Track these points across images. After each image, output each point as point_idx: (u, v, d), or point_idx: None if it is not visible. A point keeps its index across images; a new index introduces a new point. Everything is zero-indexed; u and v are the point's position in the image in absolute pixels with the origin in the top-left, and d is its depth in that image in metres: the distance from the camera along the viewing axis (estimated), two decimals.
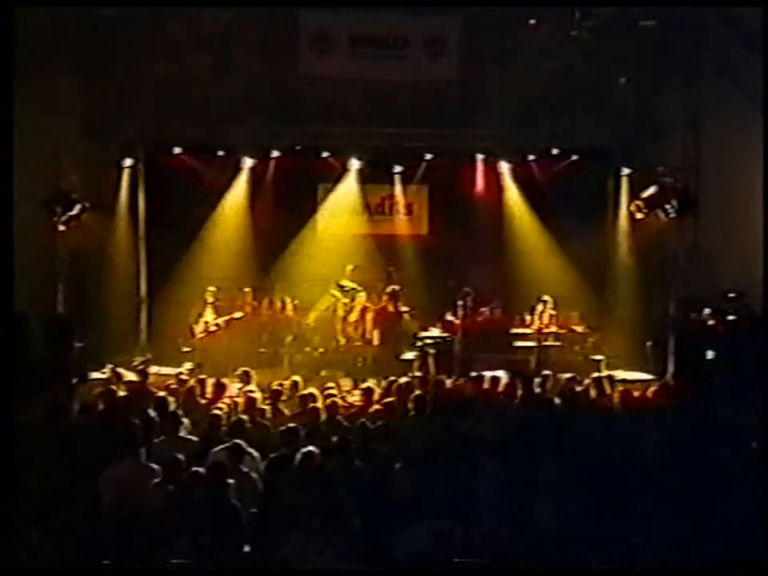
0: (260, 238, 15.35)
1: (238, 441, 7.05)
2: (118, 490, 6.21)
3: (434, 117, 14.69)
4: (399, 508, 5.90)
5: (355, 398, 10.92)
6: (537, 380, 10.57)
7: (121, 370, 11.74)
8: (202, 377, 10.69)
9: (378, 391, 10.09)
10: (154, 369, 12.76)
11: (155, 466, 6.68)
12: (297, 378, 10.54)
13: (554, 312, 14.75)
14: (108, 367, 12.05)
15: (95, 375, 12.24)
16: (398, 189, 16.01)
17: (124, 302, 14.86)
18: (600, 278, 15.62)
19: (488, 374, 11.24)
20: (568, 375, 10.92)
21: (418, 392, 9.44)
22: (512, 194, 15.74)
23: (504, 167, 15.75)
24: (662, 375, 13.03)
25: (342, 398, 10.07)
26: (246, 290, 14.83)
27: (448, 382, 11.85)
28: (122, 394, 9.98)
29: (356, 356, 14.48)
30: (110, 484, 6.37)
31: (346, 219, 16.12)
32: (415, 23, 14.32)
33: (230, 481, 6.19)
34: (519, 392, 9.85)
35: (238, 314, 14.54)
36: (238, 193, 15.58)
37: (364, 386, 10.41)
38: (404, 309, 14.66)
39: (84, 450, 6.96)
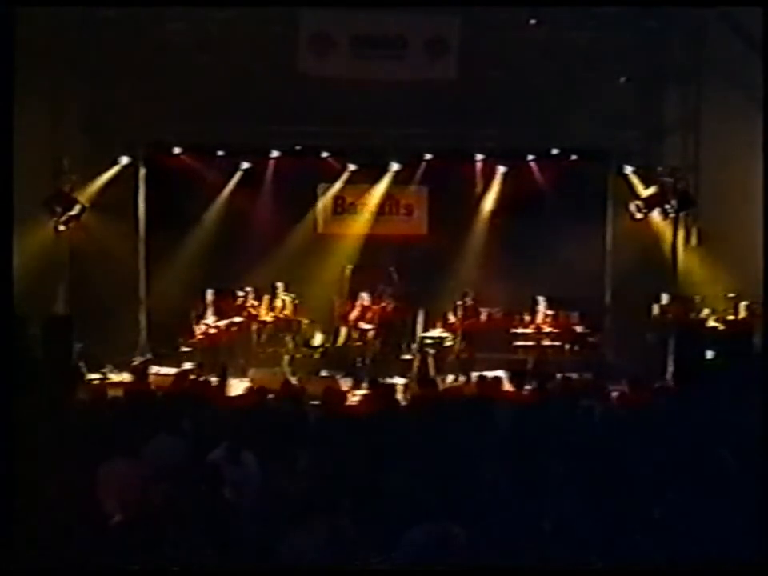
0: (260, 238, 15.34)
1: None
2: (115, 488, 6.22)
3: (434, 117, 14.70)
4: (398, 508, 5.90)
5: (356, 397, 10.96)
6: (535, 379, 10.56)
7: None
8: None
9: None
10: (153, 369, 12.78)
11: (153, 465, 6.68)
12: None
13: (553, 312, 14.74)
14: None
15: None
16: (397, 189, 16.00)
17: (124, 302, 14.86)
18: (600, 277, 15.64)
19: (488, 373, 11.25)
20: (566, 375, 10.95)
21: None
22: (511, 194, 15.72)
23: (503, 167, 15.75)
24: (661, 374, 13.01)
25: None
26: (247, 289, 14.81)
27: (447, 382, 11.90)
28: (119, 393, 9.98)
29: (356, 356, 14.47)
30: (107, 483, 6.37)
31: (346, 219, 16.13)
32: (415, 23, 14.36)
33: (227, 480, 6.18)
34: (518, 391, 9.85)
35: (238, 319, 14.50)
36: (237, 193, 15.58)
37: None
38: (403, 309, 14.65)
39: (83, 448, 6.95)
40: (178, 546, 5.30)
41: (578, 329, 14.75)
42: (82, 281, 14.33)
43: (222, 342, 14.37)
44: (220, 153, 15.30)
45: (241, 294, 14.69)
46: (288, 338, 14.64)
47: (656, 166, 15.19)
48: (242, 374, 13.28)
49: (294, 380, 12.08)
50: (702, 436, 6.86)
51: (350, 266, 15.17)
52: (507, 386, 10.37)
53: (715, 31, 14.49)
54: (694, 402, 8.52)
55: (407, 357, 14.36)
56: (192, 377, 10.98)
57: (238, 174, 15.57)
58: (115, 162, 14.98)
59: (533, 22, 14.17)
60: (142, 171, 15.35)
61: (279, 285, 14.79)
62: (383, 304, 14.55)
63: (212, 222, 15.44)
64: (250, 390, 10.24)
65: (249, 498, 6.43)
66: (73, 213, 14.24)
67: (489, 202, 15.89)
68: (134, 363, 13.70)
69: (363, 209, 16.12)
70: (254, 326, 14.71)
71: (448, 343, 14.30)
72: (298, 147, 15.32)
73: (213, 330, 14.38)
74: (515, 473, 6.38)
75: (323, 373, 13.92)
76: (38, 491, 5.81)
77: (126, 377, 12.58)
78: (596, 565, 5.15)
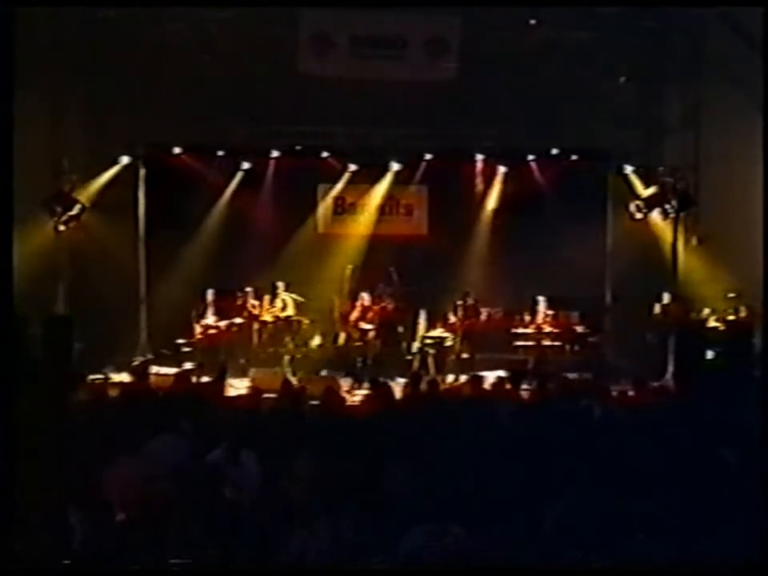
0: (260, 238, 15.34)
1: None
2: (115, 489, 6.22)
3: (434, 117, 14.71)
4: (398, 508, 5.90)
5: (357, 397, 10.96)
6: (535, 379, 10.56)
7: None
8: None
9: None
10: (153, 369, 12.78)
11: (153, 465, 6.68)
12: None
13: (553, 312, 14.74)
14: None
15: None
16: (397, 189, 16.00)
17: (124, 302, 14.86)
18: (600, 278, 15.64)
19: (489, 374, 11.25)
20: (566, 375, 10.95)
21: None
22: (511, 194, 15.72)
23: (503, 167, 15.74)
24: (661, 374, 13.02)
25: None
26: (247, 289, 14.81)
27: (447, 382, 11.87)
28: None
29: (356, 356, 14.46)
30: (107, 483, 6.37)
31: (346, 219, 16.13)
32: (415, 23, 14.38)
33: (227, 480, 6.19)
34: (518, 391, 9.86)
35: (238, 319, 14.50)
36: (237, 193, 15.58)
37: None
38: (403, 309, 14.64)
39: (83, 448, 6.96)
40: (178, 546, 5.30)
41: (578, 329, 14.76)
42: (82, 281, 14.33)
43: (222, 342, 14.38)
44: (220, 153, 15.28)
45: (241, 294, 14.69)
46: (288, 338, 14.64)
47: (656, 165, 15.20)
48: (242, 373, 13.28)
49: (294, 380, 12.07)
50: (701, 436, 6.86)
51: (350, 266, 15.17)
52: (507, 386, 10.36)
53: (715, 31, 14.51)
54: (694, 401, 8.52)
55: (407, 357, 14.37)
56: (192, 377, 10.99)
57: (239, 174, 15.57)
58: (115, 162, 14.97)
59: (533, 22, 14.20)
60: (142, 171, 15.33)
61: (280, 285, 14.78)
62: (383, 304, 14.55)
63: (212, 222, 15.43)
64: (250, 389, 10.23)
65: (249, 497, 6.43)
66: (73, 213, 14.23)
67: (489, 202, 15.88)
68: (134, 363, 13.70)
69: (363, 209, 16.11)
70: (255, 326, 14.72)
71: (448, 343, 14.31)
72: (298, 147, 15.32)
73: (213, 330, 14.38)
74: (515, 473, 6.38)
75: (323, 373, 13.92)
76: (38, 491, 5.82)
77: (126, 377, 12.58)
78: (596, 565, 5.14)
